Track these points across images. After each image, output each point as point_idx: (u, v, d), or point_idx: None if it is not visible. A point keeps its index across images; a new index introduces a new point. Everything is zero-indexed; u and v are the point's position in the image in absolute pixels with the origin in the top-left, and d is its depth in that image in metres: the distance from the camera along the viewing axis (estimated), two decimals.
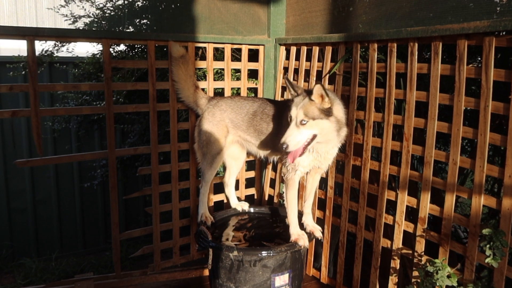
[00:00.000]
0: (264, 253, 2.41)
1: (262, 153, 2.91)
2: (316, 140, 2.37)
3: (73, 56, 5.11)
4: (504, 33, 1.96)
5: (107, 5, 4.07)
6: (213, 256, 2.53)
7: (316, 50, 3.04)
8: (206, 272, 3.15)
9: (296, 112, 2.32)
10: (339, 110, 2.43)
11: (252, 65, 3.38)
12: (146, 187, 3.02)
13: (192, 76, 2.94)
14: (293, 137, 2.30)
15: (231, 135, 2.92)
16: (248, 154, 3.12)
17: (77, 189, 6.14)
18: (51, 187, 6.02)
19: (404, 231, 2.50)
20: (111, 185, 2.87)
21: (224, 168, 3.26)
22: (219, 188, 3.33)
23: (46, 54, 4.59)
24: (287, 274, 2.52)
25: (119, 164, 5.11)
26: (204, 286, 3.09)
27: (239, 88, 3.38)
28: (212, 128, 2.88)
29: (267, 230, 2.91)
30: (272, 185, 3.48)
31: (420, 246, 2.38)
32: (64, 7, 4.46)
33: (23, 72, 4.86)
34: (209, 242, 2.55)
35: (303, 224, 2.78)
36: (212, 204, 3.31)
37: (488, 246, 1.92)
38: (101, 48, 3.41)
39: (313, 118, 2.30)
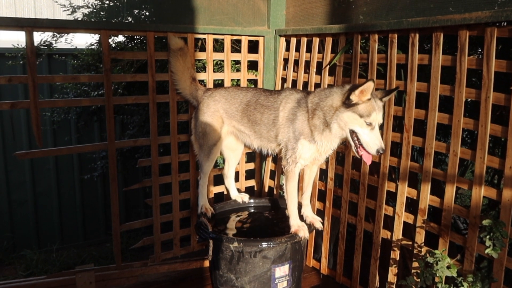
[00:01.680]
0: (264, 244, 2.42)
1: (256, 144, 2.88)
2: None
3: (72, 47, 5.08)
4: (505, 23, 1.95)
5: None
6: (214, 247, 2.54)
7: (316, 41, 3.02)
8: (207, 263, 3.16)
9: (378, 116, 2.30)
10: None
11: (252, 57, 3.37)
12: (146, 179, 3.02)
13: (190, 68, 2.93)
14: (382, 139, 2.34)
15: (226, 125, 2.91)
16: (246, 145, 3.11)
17: (77, 181, 6.14)
18: (51, 179, 6.02)
19: (404, 222, 2.50)
20: (111, 176, 2.87)
21: (224, 160, 3.25)
22: (219, 179, 3.33)
23: (45, 45, 4.56)
24: (287, 265, 2.53)
25: (119, 156, 5.10)
26: (204, 277, 3.10)
27: (239, 80, 3.37)
28: (207, 119, 2.87)
29: (267, 221, 2.92)
30: (272, 176, 3.48)
31: (420, 237, 2.39)
32: None
33: (21, 62, 4.83)
34: (209, 234, 2.56)
35: (303, 215, 2.78)
36: (212, 195, 3.31)
37: (488, 237, 1.92)
38: (100, 39, 3.39)
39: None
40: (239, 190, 3.34)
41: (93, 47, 4.88)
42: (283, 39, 3.35)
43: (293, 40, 3.24)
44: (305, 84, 3.14)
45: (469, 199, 2.13)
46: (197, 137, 2.92)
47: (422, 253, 2.34)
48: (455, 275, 2.06)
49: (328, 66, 2.91)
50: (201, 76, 3.12)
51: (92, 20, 3.88)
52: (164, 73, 2.97)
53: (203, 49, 3.28)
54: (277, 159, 3.35)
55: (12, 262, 5.44)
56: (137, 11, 2.98)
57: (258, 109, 2.76)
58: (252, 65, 3.47)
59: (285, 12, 3.33)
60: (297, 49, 3.21)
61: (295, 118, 2.58)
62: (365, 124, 2.27)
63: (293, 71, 3.27)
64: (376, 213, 2.64)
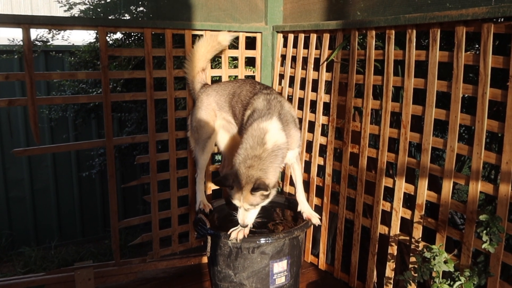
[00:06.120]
0: (262, 240, 2.42)
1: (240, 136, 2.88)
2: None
3: (69, 44, 5.07)
4: (502, 19, 1.96)
5: None
6: (212, 244, 2.54)
7: (313, 37, 3.02)
8: (205, 260, 3.17)
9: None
10: None
11: (250, 53, 3.36)
12: (144, 176, 3.02)
13: (208, 60, 3.03)
14: None
15: (219, 119, 2.92)
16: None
17: (75, 178, 6.13)
18: (49, 176, 6.02)
19: (402, 218, 2.51)
20: (109, 173, 2.87)
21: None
22: (217, 176, 3.33)
23: (40, 40, 4.54)
24: (286, 260, 2.54)
25: (117, 153, 5.10)
26: (203, 273, 3.11)
27: (236, 76, 3.37)
28: (201, 114, 2.89)
29: (265, 217, 2.92)
30: None
31: (418, 232, 2.40)
32: None
33: (16, 56, 4.81)
34: (207, 230, 2.56)
35: (300, 211, 2.79)
36: (210, 192, 3.31)
37: (484, 232, 1.93)
38: (97, 36, 3.38)
39: None
40: None
41: (90, 44, 4.87)
42: (280, 36, 3.35)
43: (291, 37, 3.24)
44: (303, 81, 3.14)
45: (466, 195, 2.14)
46: (193, 132, 2.94)
47: (420, 248, 2.36)
48: (452, 269, 2.07)
49: (325, 63, 2.91)
50: None
51: (89, 16, 3.86)
52: (162, 69, 2.97)
53: None
54: None
55: (11, 259, 5.44)
56: (134, 7, 2.97)
57: (238, 102, 2.77)
58: (250, 62, 3.46)
59: (283, 8, 3.33)
60: (295, 45, 3.21)
61: None
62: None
63: (291, 67, 3.27)
64: (373, 208, 2.65)
